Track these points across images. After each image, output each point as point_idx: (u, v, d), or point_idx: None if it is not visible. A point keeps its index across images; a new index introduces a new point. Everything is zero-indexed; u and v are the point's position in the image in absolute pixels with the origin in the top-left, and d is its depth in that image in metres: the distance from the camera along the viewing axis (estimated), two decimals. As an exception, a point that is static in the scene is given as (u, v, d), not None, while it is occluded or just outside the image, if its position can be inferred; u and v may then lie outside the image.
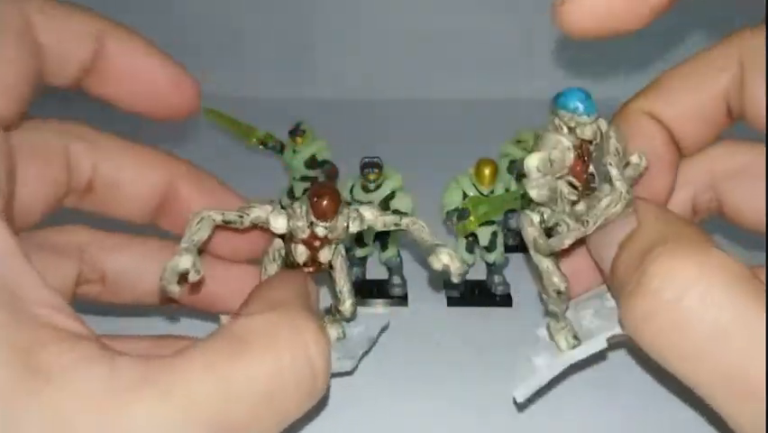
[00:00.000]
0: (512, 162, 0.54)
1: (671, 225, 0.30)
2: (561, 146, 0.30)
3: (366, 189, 0.48)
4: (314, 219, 0.34)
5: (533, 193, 0.30)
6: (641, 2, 0.30)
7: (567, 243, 0.31)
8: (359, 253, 0.50)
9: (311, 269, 0.36)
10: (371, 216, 0.36)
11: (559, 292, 0.32)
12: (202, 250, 0.35)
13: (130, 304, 0.39)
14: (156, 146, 0.38)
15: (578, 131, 0.30)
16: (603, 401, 0.40)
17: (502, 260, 0.50)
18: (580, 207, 0.31)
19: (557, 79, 0.86)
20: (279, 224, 0.34)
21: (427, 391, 0.41)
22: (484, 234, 0.49)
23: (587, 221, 0.31)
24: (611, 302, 0.34)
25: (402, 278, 0.50)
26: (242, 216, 0.34)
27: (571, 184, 0.31)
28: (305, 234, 0.35)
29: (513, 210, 0.51)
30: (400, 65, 0.89)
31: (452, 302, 0.50)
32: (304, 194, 0.58)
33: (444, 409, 0.40)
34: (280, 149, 0.57)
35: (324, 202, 0.33)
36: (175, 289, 0.30)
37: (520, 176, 0.53)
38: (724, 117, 0.35)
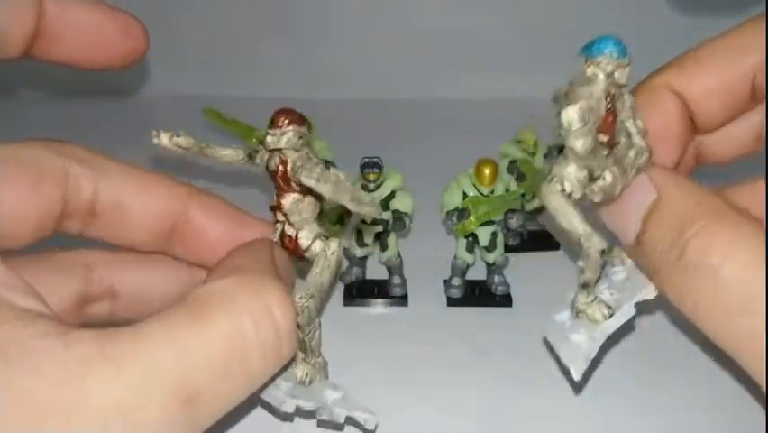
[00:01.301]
0: (512, 162, 0.54)
1: (695, 197, 0.30)
2: (594, 96, 0.30)
3: (366, 189, 0.48)
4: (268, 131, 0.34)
5: (579, 144, 0.29)
6: None
7: (618, 190, 0.31)
8: (359, 253, 0.50)
9: (286, 242, 0.36)
10: (316, 175, 0.33)
11: (602, 252, 0.32)
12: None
13: (116, 243, 0.37)
14: (159, 171, 0.37)
15: (616, 74, 0.30)
16: (602, 402, 0.40)
17: (502, 260, 0.50)
18: (610, 161, 0.31)
19: (557, 79, 0.86)
20: (263, 154, 0.35)
21: (427, 391, 0.41)
22: (484, 235, 0.49)
23: (627, 170, 0.31)
24: (619, 276, 0.35)
25: (402, 278, 0.50)
26: (251, 157, 0.36)
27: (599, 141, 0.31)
28: (275, 163, 0.34)
29: (513, 210, 0.51)
30: (400, 65, 0.89)
31: (452, 302, 0.50)
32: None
33: (444, 408, 0.40)
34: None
35: (278, 112, 0.34)
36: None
37: (520, 176, 0.53)
38: (747, 98, 0.34)
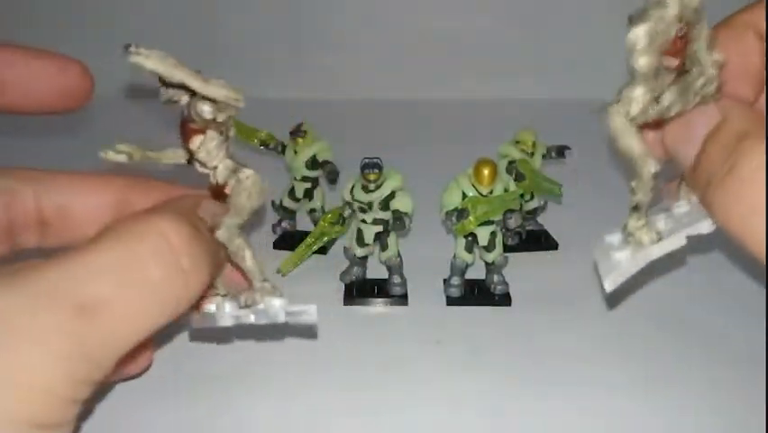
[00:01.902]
0: (511, 163, 0.54)
1: (756, 120, 0.30)
2: (666, 19, 0.30)
3: (366, 189, 0.48)
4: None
5: (642, 61, 0.29)
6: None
7: (674, 111, 0.31)
8: (359, 252, 0.51)
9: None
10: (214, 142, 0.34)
11: (655, 175, 0.32)
12: None
13: (75, 244, 0.38)
14: (95, 171, 0.38)
15: None
16: (601, 402, 0.41)
17: (501, 259, 0.50)
18: (675, 87, 0.31)
19: (557, 79, 0.87)
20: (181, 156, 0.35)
21: (427, 390, 0.41)
22: (483, 234, 0.49)
23: (688, 96, 0.31)
24: (681, 209, 0.35)
25: (402, 277, 0.51)
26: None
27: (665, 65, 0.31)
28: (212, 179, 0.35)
29: (512, 210, 0.51)
30: (400, 65, 0.89)
31: (451, 301, 0.50)
32: (305, 195, 0.58)
33: (444, 408, 0.40)
34: (281, 149, 0.57)
35: None
36: None
37: (519, 176, 0.53)
38: None
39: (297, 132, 0.56)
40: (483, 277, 0.51)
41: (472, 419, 0.40)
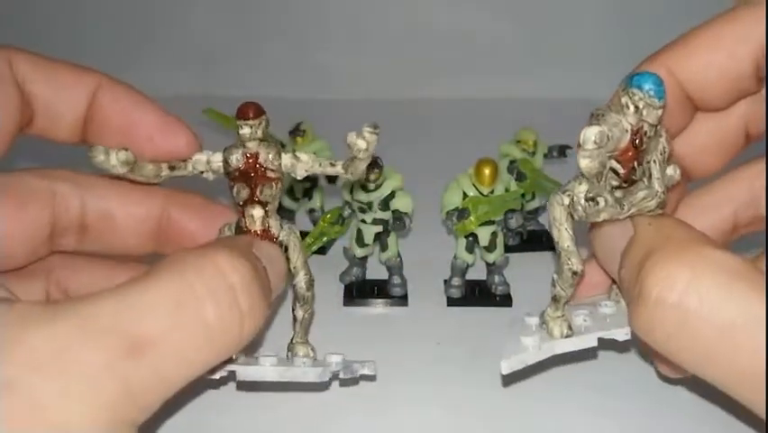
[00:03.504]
0: (512, 162, 0.54)
1: (662, 229, 0.30)
2: (621, 126, 0.30)
3: (366, 189, 0.48)
4: (238, 122, 0.34)
5: (583, 163, 0.30)
6: None
7: (603, 216, 0.32)
8: (359, 252, 0.50)
9: (258, 232, 0.36)
10: (300, 159, 0.36)
11: (574, 273, 0.33)
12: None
13: (113, 252, 0.38)
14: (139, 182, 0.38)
15: (644, 112, 0.30)
16: (601, 404, 0.40)
17: (502, 260, 0.50)
18: (618, 194, 0.32)
19: (557, 79, 0.87)
20: (216, 157, 0.35)
21: (427, 391, 0.41)
22: (484, 234, 0.49)
23: (623, 204, 0.32)
24: (606, 309, 0.36)
25: (402, 278, 0.50)
26: (185, 161, 0.36)
27: (613, 170, 0.31)
28: (240, 159, 0.34)
29: (513, 210, 0.51)
30: (400, 65, 0.89)
31: (451, 302, 0.50)
32: (305, 195, 0.58)
33: (444, 409, 0.40)
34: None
35: (245, 104, 0.34)
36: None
37: (520, 176, 0.53)
38: (751, 80, 0.34)
39: (296, 131, 0.55)
40: (484, 277, 0.51)
41: (472, 419, 0.39)
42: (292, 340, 0.38)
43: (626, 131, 0.31)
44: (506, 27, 0.88)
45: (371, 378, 0.39)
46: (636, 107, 0.30)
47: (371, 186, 0.48)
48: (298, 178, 0.36)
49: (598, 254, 0.35)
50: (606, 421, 0.39)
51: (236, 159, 0.35)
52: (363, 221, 0.50)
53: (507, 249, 0.52)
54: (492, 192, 0.48)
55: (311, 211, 0.59)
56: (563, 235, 0.33)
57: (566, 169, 0.59)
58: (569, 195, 0.32)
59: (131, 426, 0.25)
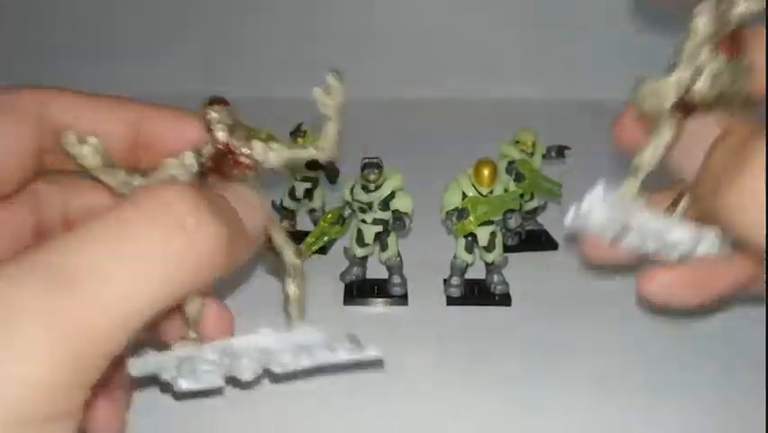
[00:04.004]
0: (511, 163, 0.54)
1: (753, 126, 0.29)
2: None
3: (366, 189, 0.48)
4: (204, 110, 0.33)
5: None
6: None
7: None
8: (359, 252, 0.51)
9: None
10: (272, 148, 0.33)
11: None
12: None
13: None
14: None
15: None
16: (602, 402, 0.41)
17: (501, 259, 0.50)
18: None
19: (556, 81, 0.87)
20: (188, 154, 0.33)
21: (427, 391, 0.41)
22: (483, 234, 0.49)
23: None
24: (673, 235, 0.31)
25: (402, 277, 0.51)
26: (156, 167, 0.33)
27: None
28: (210, 149, 0.33)
29: (512, 210, 0.51)
30: (400, 65, 0.89)
31: (451, 301, 0.50)
32: (305, 196, 0.58)
33: (444, 408, 0.40)
34: (281, 149, 0.57)
35: (212, 101, 0.33)
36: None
37: (519, 176, 0.53)
38: None
39: (296, 131, 0.56)
40: (483, 277, 0.51)
41: (472, 419, 0.40)
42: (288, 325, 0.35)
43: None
44: (505, 28, 0.88)
45: (378, 363, 0.37)
46: None
47: (371, 186, 0.48)
48: (273, 165, 0.33)
49: (675, 157, 0.31)
50: (607, 420, 0.39)
51: (207, 150, 0.33)
52: (363, 221, 0.50)
53: (506, 249, 0.52)
54: (491, 192, 0.48)
55: (312, 211, 0.59)
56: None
57: (564, 169, 0.59)
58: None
59: (92, 363, 0.23)
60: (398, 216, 0.48)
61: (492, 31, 0.88)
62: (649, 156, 0.30)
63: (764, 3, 0.29)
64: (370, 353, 0.33)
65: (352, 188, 0.49)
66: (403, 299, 0.50)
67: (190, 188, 0.27)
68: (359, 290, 0.51)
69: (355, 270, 0.51)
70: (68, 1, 0.91)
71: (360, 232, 0.50)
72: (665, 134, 0.30)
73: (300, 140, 0.55)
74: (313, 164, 0.56)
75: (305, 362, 0.32)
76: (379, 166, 0.47)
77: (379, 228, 0.50)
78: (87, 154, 0.30)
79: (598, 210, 0.31)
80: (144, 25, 0.90)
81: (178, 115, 0.37)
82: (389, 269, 0.51)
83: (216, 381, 0.32)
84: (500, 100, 0.85)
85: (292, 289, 0.35)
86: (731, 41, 0.29)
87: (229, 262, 0.28)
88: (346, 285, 0.51)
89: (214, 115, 0.32)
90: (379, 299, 0.50)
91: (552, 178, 0.55)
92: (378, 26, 0.90)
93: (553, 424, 0.39)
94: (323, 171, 0.56)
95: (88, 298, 0.23)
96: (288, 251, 0.35)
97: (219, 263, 0.27)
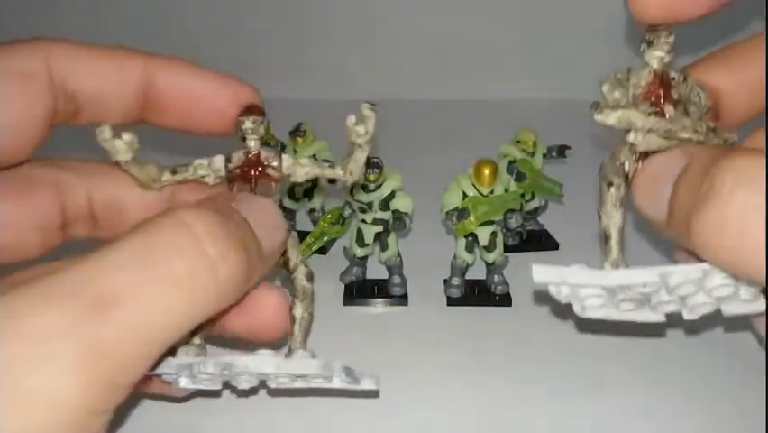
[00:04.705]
0: (511, 163, 0.54)
1: (721, 148, 0.30)
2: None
3: (366, 189, 0.48)
4: (240, 118, 0.34)
5: (605, 89, 0.31)
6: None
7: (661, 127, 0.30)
8: (359, 252, 0.50)
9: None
10: (300, 163, 0.35)
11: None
12: None
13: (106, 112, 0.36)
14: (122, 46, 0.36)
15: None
16: (603, 402, 0.40)
17: (502, 260, 0.50)
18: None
19: (557, 79, 0.87)
20: (218, 159, 0.34)
21: (426, 390, 0.41)
22: (483, 234, 0.49)
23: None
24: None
25: (402, 277, 0.51)
26: (187, 165, 0.35)
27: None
28: (241, 157, 0.34)
29: (512, 210, 0.51)
30: (400, 65, 0.89)
31: (451, 302, 0.50)
32: (305, 195, 0.58)
33: (444, 409, 0.40)
34: (281, 149, 0.57)
35: (250, 103, 0.34)
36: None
37: (519, 176, 0.53)
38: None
39: (296, 131, 0.56)
40: (484, 277, 0.51)
41: (472, 419, 0.39)
42: (290, 347, 0.36)
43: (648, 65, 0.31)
44: (505, 28, 0.88)
45: (374, 393, 0.37)
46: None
47: (371, 186, 0.48)
48: (299, 181, 0.35)
49: (641, 200, 0.31)
50: (608, 420, 0.39)
51: (237, 157, 0.34)
52: (363, 221, 0.50)
53: (507, 249, 0.52)
54: (492, 192, 0.48)
55: (311, 211, 0.59)
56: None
57: (565, 169, 0.59)
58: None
59: (114, 389, 0.24)
60: (398, 216, 0.48)
61: (492, 31, 0.88)
62: (614, 221, 0.31)
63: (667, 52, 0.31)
64: (366, 385, 0.34)
65: (352, 189, 0.49)
66: (403, 300, 0.50)
67: (213, 210, 0.28)
68: (359, 291, 0.51)
69: (355, 270, 0.51)
70: (68, 1, 0.91)
71: (360, 232, 0.50)
72: (615, 193, 0.31)
73: (300, 140, 0.55)
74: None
75: (300, 385, 0.34)
76: (379, 166, 0.47)
77: (379, 228, 0.50)
78: (121, 149, 0.31)
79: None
80: (144, 25, 0.90)
81: (194, 70, 0.36)
82: (389, 269, 0.51)
83: (214, 386, 0.33)
84: (500, 100, 0.85)
85: (299, 311, 0.36)
86: (657, 84, 0.31)
87: (246, 288, 0.29)
88: (346, 285, 0.51)
89: (249, 125, 0.33)
90: (379, 300, 0.50)
91: (553, 177, 0.55)
92: (378, 26, 0.89)
93: (554, 424, 0.39)
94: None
95: (119, 322, 0.23)
96: (300, 273, 0.36)
97: (239, 290, 0.28)
